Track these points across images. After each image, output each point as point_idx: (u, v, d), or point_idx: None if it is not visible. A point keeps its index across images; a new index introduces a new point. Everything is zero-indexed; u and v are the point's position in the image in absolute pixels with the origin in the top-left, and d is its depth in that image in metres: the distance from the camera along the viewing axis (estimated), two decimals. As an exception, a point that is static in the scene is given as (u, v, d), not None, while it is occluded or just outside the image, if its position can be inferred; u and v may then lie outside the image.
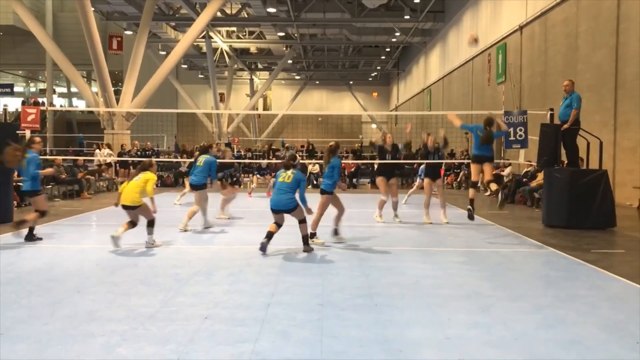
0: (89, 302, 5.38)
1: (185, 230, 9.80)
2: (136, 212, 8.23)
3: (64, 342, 4.28)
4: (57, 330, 4.55)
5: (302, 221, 7.85)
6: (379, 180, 11.21)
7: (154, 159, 9.55)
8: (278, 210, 7.73)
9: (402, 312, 5.10)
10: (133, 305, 5.26)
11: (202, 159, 10.27)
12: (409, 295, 5.72)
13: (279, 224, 7.78)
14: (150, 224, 8.32)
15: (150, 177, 8.31)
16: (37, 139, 9.39)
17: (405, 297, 5.64)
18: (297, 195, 7.81)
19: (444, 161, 12.03)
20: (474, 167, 9.80)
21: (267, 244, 7.63)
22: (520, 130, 12.60)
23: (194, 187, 10.17)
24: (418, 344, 4.32)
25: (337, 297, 5.57)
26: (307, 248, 7.90)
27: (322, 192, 8.72)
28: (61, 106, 49.28)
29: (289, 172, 7.75)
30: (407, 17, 30.18)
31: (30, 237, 8.67)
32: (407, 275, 6.61)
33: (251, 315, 4.97)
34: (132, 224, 8.27)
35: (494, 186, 9.57)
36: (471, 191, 10.13)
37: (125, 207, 8.18)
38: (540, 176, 12.97)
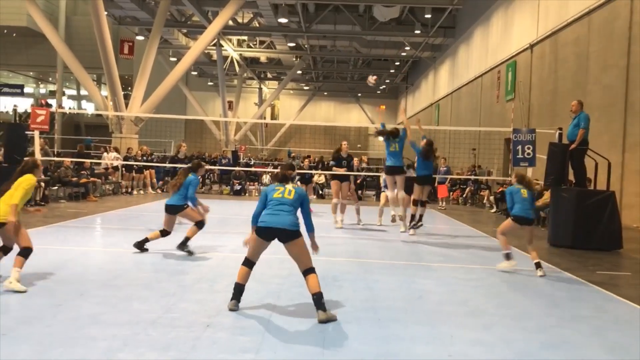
0: (91, 305, 5.38)
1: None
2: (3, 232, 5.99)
3: (65, 345, 4.27)
4: (59, 333, 4.55)
5: (310, 270, 5.31)
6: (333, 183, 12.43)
7: (39, 160, 7.10)
8: (273, 231, 5.32)
9: (405, 327, 5.07)
10: (135, 310, 5.25)
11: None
12: (413, 310, 5.68)
13: (252, 263, 5.54)
14: (24, 253, 5.95)
15: (26, 179, 6.11)
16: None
17: (409, 312, 5.61)
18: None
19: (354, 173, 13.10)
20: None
21: (238, 305, 5.40)
22: (529, 148, 12.58)
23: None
24: (421, 360, 4.29)
25: (341, 310, 5.54)
26: (326, 315, 5.10)
27: None
28: (70, 108, 49.55)
29: (289, 187, 5.58)
30: (417, 31, 30.27)
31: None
32: (410, 290, 6.57)
33: (253, 325, 4.95)
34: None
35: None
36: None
37: None
38: (547, 195, 12.90)
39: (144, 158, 19.89)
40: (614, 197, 10.42)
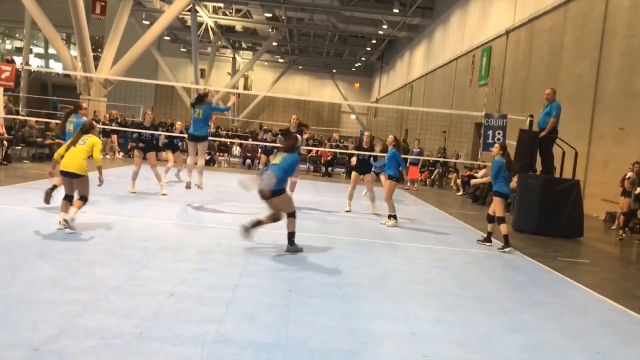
0: (52, 268, 5.26)
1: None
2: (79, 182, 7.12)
3: (23, 308, 4.17)
4: (16, 295, 4.43)
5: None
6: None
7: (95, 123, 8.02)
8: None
9: (369, 304, 5.09)
10: (97, 276, 5.15)
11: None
12: (377, 287, 5.72)
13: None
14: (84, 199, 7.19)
15: (98, 143, 7.31)
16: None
17: (374, 289, 5.64)
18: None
19: (375, 154, 11.60)
20: None
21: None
22: (499, 133, 12.72)
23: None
24: (383, 338, 4.32)
25: (306, 284, 5.54)
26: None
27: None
28: (38, 67, 48.06)
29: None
30: (396, 10, 30.14)
31: None
32: (376, 267, 6.61)
33: (218, 296, 4.91)
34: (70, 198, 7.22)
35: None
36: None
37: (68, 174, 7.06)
38: (514, 180, 13.09)
39: (113, 123, 19.56)
40: (579, 185, 10.64)
